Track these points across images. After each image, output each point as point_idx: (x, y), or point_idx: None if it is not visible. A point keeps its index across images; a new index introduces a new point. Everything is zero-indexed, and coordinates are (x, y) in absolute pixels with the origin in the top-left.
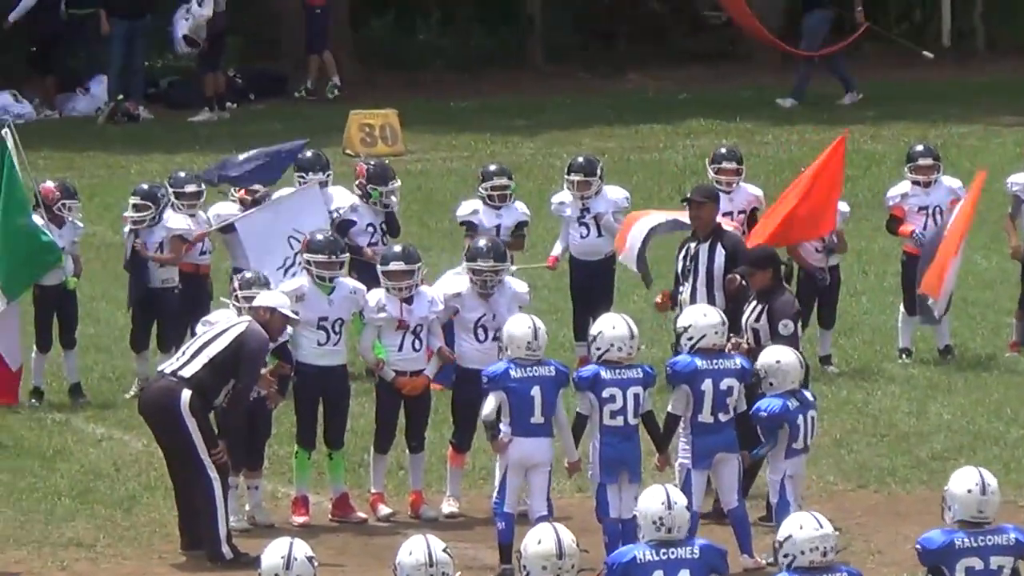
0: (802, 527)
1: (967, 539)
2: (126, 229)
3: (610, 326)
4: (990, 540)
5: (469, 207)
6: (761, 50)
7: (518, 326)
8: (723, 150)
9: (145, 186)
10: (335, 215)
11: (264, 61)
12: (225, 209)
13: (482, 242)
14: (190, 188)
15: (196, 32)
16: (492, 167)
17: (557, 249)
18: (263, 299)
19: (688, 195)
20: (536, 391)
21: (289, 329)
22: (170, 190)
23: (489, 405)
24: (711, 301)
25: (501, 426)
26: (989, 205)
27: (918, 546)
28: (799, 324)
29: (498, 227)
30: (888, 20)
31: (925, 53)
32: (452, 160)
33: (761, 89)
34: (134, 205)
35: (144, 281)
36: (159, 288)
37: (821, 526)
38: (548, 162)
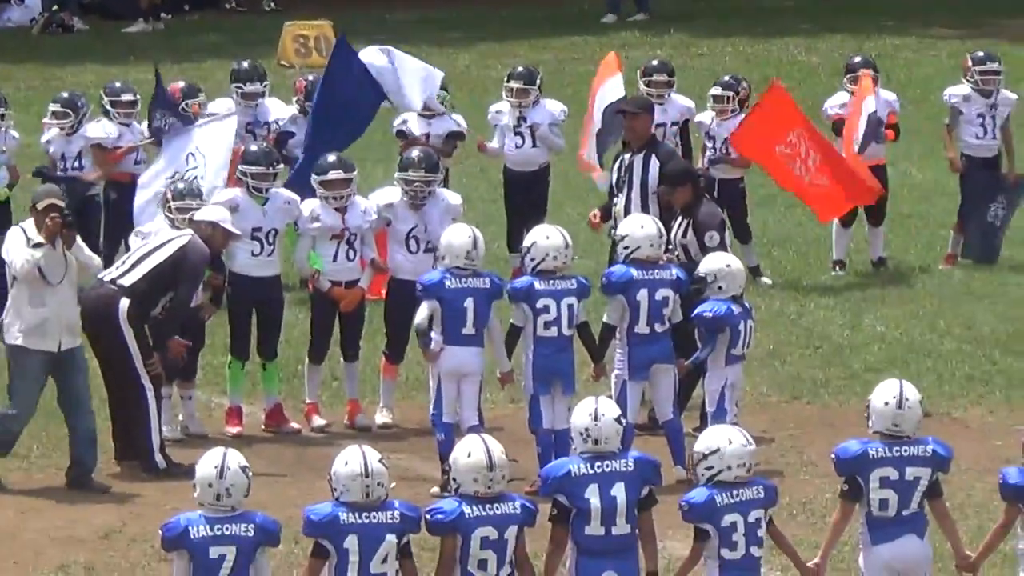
0: (731, 441)
1: (882, 449)
2: (43, 138)
3: (544, 236)
4: (906, 451)
5: (401, 117)
6: None
7: (457, 235)
8: (654, 62)
9: (65, 94)
10: (274, 126)
11: None
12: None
13: (414, 153)
14: (126, 97)
15: None
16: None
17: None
18: (205, 213)
19: (622, 106)
20: (469, 302)
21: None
22: (106, 99)
23: (422, 314)
24: (645, 211)
25: (433, 335)
26: (926, 116)
27: (833, 455)
28: (724, 234)
29: (427, 135)
30: None
31: None
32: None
33: (696, 1)
34: (53, 112)
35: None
36: (83, 197)
37: (748, 442)
38: (484, 74)
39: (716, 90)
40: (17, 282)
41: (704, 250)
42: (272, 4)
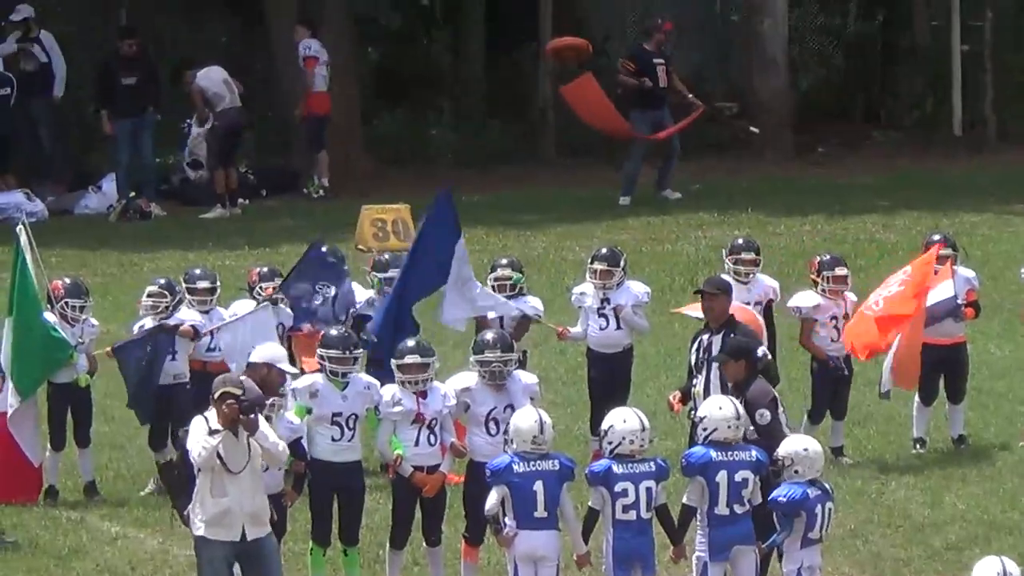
0: None
1: None
2: (136, 326)
3: (621, 420)
4: None
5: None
6: (773, 141)
7: (524, 419)
8: (740, 240)
9: (162, 280)
10: (352, 310)
11: (276, 157)
12: (244, 307)
13: (488, 334)
14: (202, 284)
15: (196, 150)
16: (501, 260)
17: (576, 331)
18: (260, 354)
19: (701, 287)
20: (539, 485)
21: (289, 383)
22: (183, 286)
23: (491, 499)
24: (724, 393)
25: (506, 520)
26: (1003, 294)
27: None
28: (777, 411)
29: (500, 318)
30: (900, 109)
31: (752, 129)
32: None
33: (774, 180)
34: (149, 294)
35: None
36: (171, 384)
37: None
38: (561, 256)
39: (841, 270)
40: (200, 471)
41: (756, 427)
42: (321, 191)
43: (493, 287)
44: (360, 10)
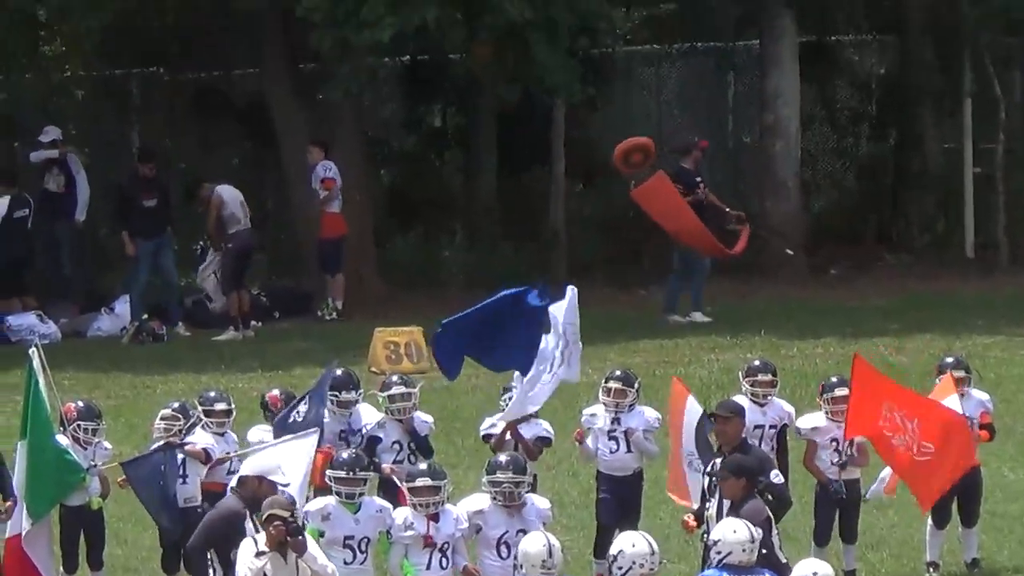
0: None
1: None
2: (153, 447)
3: (630, 544)
4: None
5: (490, 422)
6: (786, 263)
7: (533, 544)
8: (757, 362)
9: (176, 403)
10: (363, 431)
11: (288, 279)
12: (258, 433)
13: (501, 457)
14: (220, 406)
15: (204, 284)
16: (512, 382)
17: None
18: (251, 466)
19: (714, 410)
20: None
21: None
22: (199, 408)
23: None
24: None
25: None
26: (1016, 417)
27: None
28: (771, 534)
29: (516, 445)
30: (912, 231)
31: (788, 251)
32: (477, 377)
33: (786, 302)
34: (163, 416)
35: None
36: (182, 508)
37: None
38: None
39: (841, 390)
40: None
41: None
42: (334, 314)
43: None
44: (372, 132)
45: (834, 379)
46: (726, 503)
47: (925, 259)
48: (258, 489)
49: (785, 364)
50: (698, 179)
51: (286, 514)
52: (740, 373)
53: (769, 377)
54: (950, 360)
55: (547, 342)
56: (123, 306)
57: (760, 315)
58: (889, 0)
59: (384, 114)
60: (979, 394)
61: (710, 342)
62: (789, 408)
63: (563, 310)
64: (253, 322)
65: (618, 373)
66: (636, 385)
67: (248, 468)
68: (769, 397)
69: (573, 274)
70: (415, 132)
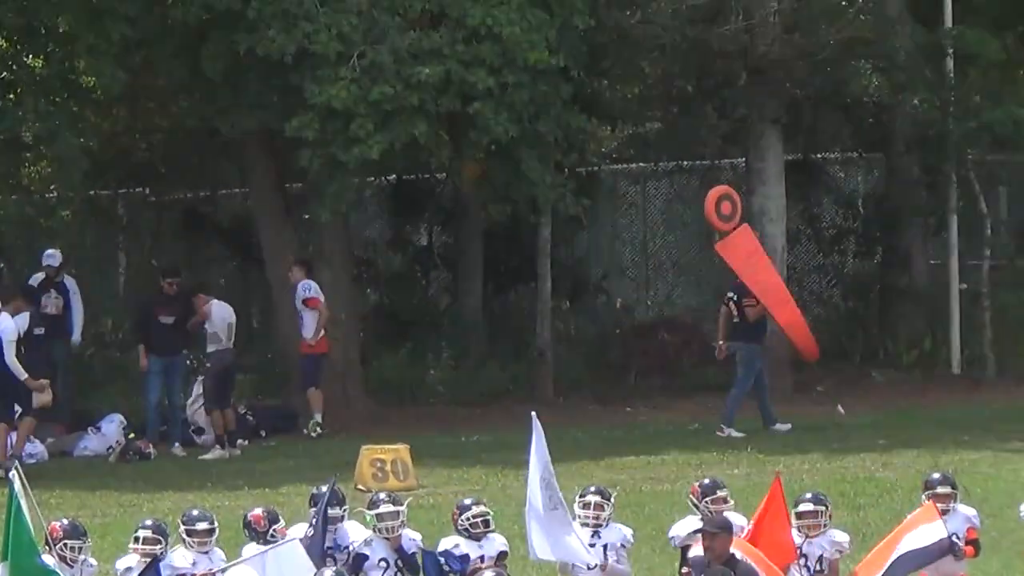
0: None
1: None
2: (122, 564)
3: None
4: None
5: (450, 542)
6: (771, 380)
7: None
8: (707, 481)
9: (149, 521)
10: (350, 548)
11: (274, 397)
12: (254, 551)
13: (488, 573)
14: (201, 525)
15: (195, 418)
16: (467, 500)
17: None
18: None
19: (702, 527)
20: None
21: None
22: (182, 527)
23: None
24: None
25: None
26: (1001, 532)
27: None
28: None
29: (481, 557)
30: (898, 348)
31: (839, 408)
32: (464, 494)
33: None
34: (143, 539)
35: None
36: None
37: None
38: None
39: (807, 506)
40: None
41: None
42: (318, 429)
43: (471, 524)
44: (358, 251)
45: (809, 495)
46: None
47: (912, 375)
48: None
49: (770, 480)
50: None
51: None
52: (692, 496)
53: (724, 493)
54: (936, 476)
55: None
56: (109, 425)
57: (746, 431)
58: (874, 118)
59: (370, 233)
60: (965, 509)
61: (696, 458)
62: (743, 521)
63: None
64: (240, 440)
65: (593, 488)
66: (612, 499)
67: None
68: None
69: (559, 392)
70: (401, 251)
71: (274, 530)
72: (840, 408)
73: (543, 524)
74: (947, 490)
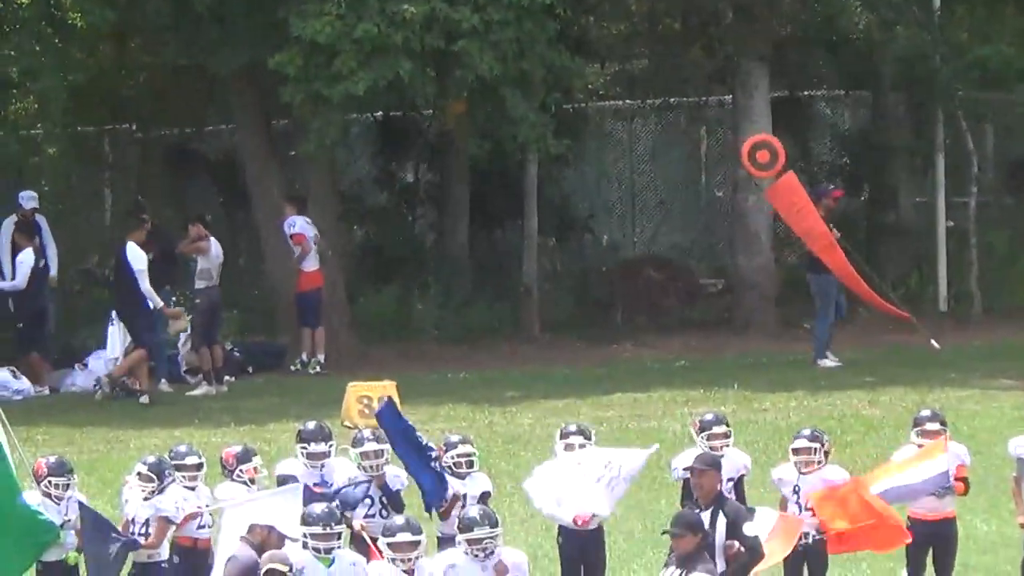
0: None
1: None
2: (123, 496)
3: None
4: None
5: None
6: (757, 318)
7: None
8: (709, 416)
9: (152, 458)
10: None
11: (261, 334)
12: (227, 490)
13: (473, 511)
14: (191, 460)
15: (190, 359)
16: (454, 437)
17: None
18: (263, 516)
19: (692, 464)
20: None
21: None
22: (171, 463)
23: None
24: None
25: None
26: (988, 469)
27: None
28: None
29: (465, 495)
30: (884, 285)
31: (933, 342)
32: (450, 431)
33: (758, 355)
34: (139, 473)
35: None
36: (144, 562)
37: None
38: (547, 432)
39: (801, 442)
40: None
41: None
42: (319, 368)
43: (455, 463)
44: (345, 188)
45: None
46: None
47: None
48: (267, 539)
49: (758, 417)
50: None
51: (284, 568)
52: (692, 429)
53: (723, 429)
54: (925, 413)
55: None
56: (96, 361)
57: (732, 368)
58: (861, 56)
59: (357, 171)
60: (955, 447)
61: (683, 396)
62: (745, 458)
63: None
64: (227, 377)
65: (574, 427)
66: (593, 438)
67: (261, 516)
68: (725, 449)
69: (545, 330)
70: (388, 188)
71: (241, 469)
72: (934, 342)
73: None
74: (936, 427)
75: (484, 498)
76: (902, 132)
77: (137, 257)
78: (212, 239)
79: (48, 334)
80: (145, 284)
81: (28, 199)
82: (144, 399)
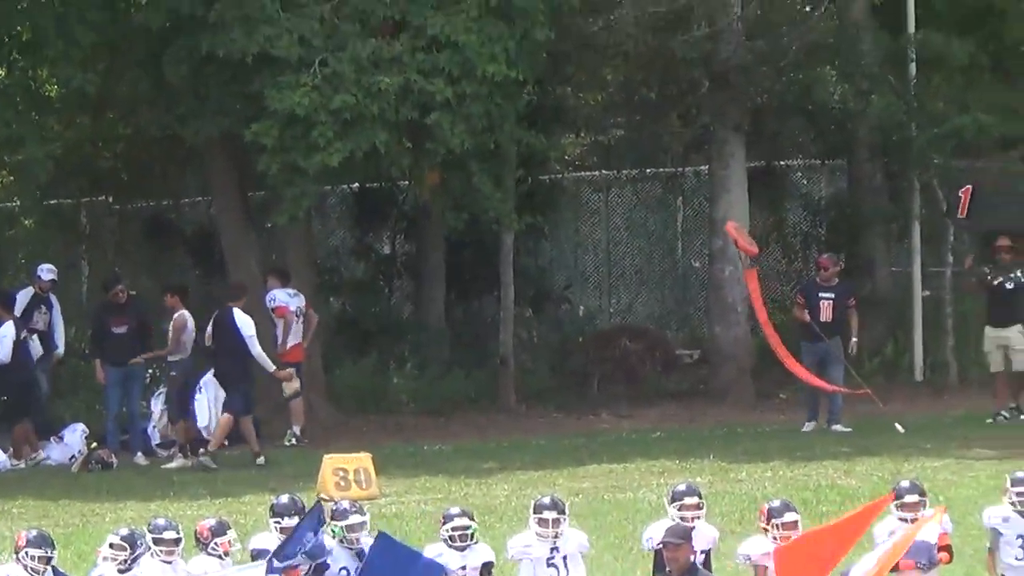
0: None
1: None
2: (95, 572)
3: None
4: None
5: (434, 551)
6: (734, 388)
7: None
8: (682, 487)
9: (126, 530)
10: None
11: None
12: (201, 564)
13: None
14: (168, 535)
15: (165, 432)
16: (453, 509)
17: None
18: None
19: (663, 539)
20: None
21: None
22: (148, 536)
23: None
24: None
25: None
26: (964, 538)
27: None
28: None
29: (464, 568)
30: (861, 354)
31: (898, 426)
32: (426, 503)
33: (734, 426)
34: (111, 544)
35: None
36: None
37: None
38: (522, 503)
39: (791, 515)
40: None
41: None
42: (294, 440)
43: (450, 536)
44: (322, 260)
45: (778, 503)
46: None
47: (875, 382)
48: None
49: (734, 488)
50: (823, 294)
51: None
52: (665, 499)
53: (695, 500)
54: (904, 485)
55: None
56: (72, 434)
57: (708, 439)
58: (838, 124)
59: (334, 242)
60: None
61: (659, 466)
62: (713, 531)
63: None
64: (202, 449)
65: (546, 501)
66: (567, 510)
67: None
68: (697, 521)
69: (522, 400)
70: (364, 259)
71: (215, 543)
72: (899, 425)
73: None
74: (915, 498)
75: (487, 568)
76: (878, 201)
77: (246, 323)
78: (184, 311)
79: (40, 407)
80: (257, 348)
81: (47, 272)
82: (261, 460)
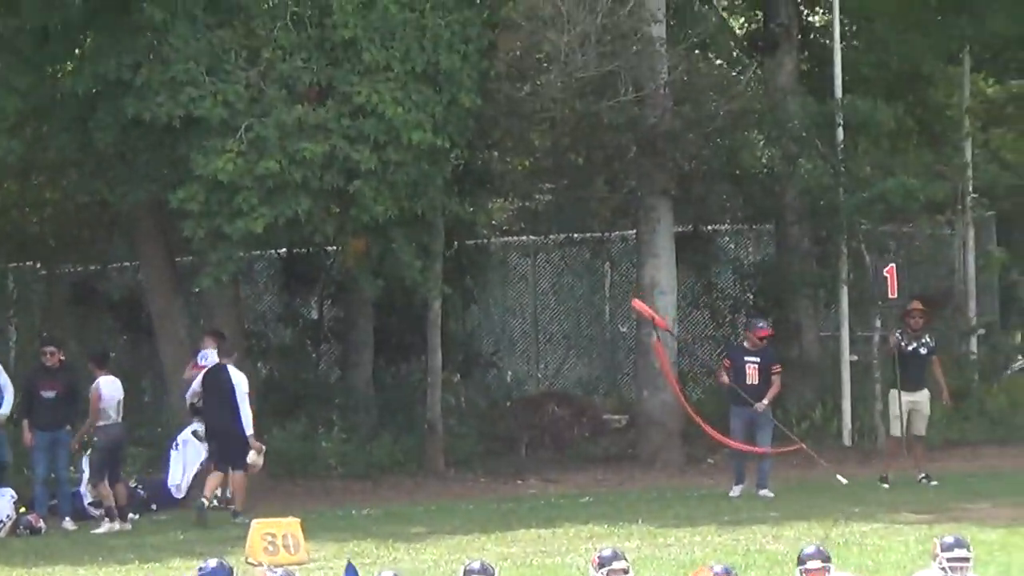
0: None
1: None
2: None
3: None
4: None
5: None
6: (662, 453)
7: None
8: (608, 552)
9: None
10: None
11: (165, 472)
12: None
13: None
14: None
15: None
16: (386, 573)
17: None
18: None
19: None
20: None
21: None
22: None
23: None
24: None
25: None
26: None
27: None
28: None
29: None
30: (789, 419)
31: (840, 477)
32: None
33: (663, 491)
34: None
35: None
36: None
37: None
38: (451, 569)
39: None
40: None
41: None
42: (215, 502)
43: None
44: (249, 325)
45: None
46: None
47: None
48: None
49: (662, 553)
50: (749, 359)
51: None
52: (591, 566)
53: (623, 565)
54: (808, 551)
55: None
56: (1, 500)
57: (637, 503)
58: (765, 189)
59: (261, 307)
60: None
61: (587, 531)
62: None
63: None
64: (131, 514)
65: (476, 566)
66: (496, 574)
67: None
68: None
69: (450, 465)
70: (292, 325)
71: None
72: (840, 477)
73: None
74: (817, 564)
75: None
76: (806, 266)
77: (241, 380)
78: (103, 379)
79: None
80: (247, 407)
81: None
82: (239, 519)
